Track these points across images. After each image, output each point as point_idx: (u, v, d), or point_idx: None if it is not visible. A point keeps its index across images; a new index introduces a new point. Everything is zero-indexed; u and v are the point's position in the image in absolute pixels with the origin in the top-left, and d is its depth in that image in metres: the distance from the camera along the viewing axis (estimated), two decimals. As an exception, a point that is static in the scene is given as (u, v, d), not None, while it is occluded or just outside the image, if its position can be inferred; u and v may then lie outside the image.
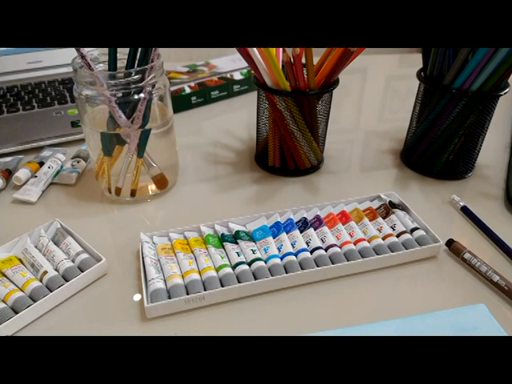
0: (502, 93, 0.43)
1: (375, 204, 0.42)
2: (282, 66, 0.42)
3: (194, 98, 0.64)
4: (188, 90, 0.63)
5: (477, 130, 0.45)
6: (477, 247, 0.39)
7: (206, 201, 0.45)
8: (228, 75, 0.68)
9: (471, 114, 0.44)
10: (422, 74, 0.46)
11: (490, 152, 0.53)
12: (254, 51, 0.41)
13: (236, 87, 0.68)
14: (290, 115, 0.45)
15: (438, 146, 0.47)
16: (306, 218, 0.39)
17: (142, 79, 0.39)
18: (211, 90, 0.65)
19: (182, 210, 0.44)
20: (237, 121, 0.61)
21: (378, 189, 0.45)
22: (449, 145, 0.46)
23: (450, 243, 0.38)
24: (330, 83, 0.44)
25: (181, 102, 0.63)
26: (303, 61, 0.41)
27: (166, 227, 0.39)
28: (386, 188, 0.47)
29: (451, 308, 0.31)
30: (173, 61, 0.78)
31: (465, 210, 0.43)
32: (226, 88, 0.67)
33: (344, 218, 0.40)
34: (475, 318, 0.30)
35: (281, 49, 0.45)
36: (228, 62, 0.73)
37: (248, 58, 0.42)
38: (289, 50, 0.40)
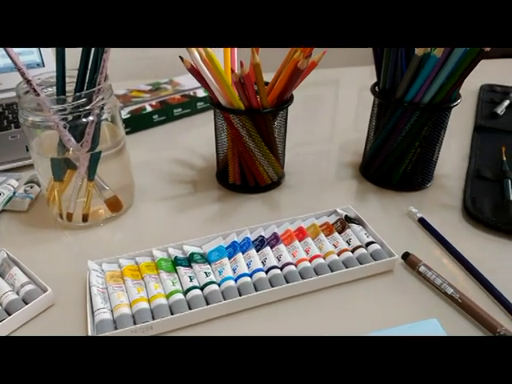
0: (453, 104, 0.43)
1: (332, 219, 0.42)
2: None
3: (155, 117, 0.63)
4: (149, 109, 0.63)
5: (432, 141, 0.46)
6: (434, 259, 0.39)
7: (164, 222, 0.44)
8: (191, 92, 0.68)
9: (425, 126, 0.44)
10: (376, 88, 0.47)
11: (449, 162, 0.54)
12: (205, 71, 0.40)
13: (199, 104, 0.67)
14: (246, 133, 0.44)
15: (394, 159, 0.47)
16: (263, 237, 0.39)
17: (89, 102, 0.38)
18: (174, 108, 0.65)
19: (137, 233, 0.43)
20: (200, 138, 0.60)
21: (338, 202, 0.45)
22: (405, 157, 0.47)
23: (405, 256, 0.38)
24: (284, 101, 0.44)
25: (142, 121, 0.62)
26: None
27: (120, 252, 0.38)
28: (345, 201, 0.47)
29: (405, 324, 0.31)
30: (137, 78, 0.77)
31: (422, 222, 0.43)
32: (190, 105, 0.66)
33: (301, 234, 0.40)
34: (427, 333, 0.30)
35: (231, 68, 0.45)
36: (192, 79, 0.72)
37: (200, 77, 0.41)
38: (249, 66, 0.40)
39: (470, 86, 0.77)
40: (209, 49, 0.38)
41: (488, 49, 0.38)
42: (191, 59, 0.40)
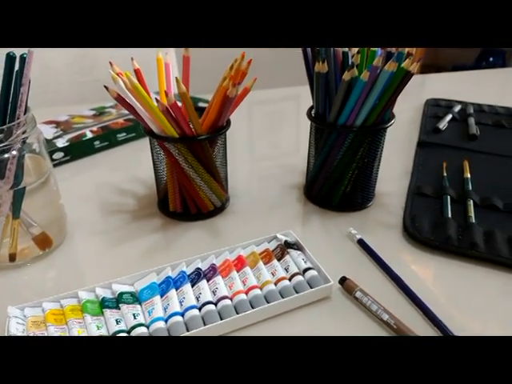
0: (386, 125, 0.44)
1: (273, 245, 0.42)
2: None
3: (97, 143, 0.61)
4: (90, 135, 0.61)
5: (369, 161, 0.46)
6: (373, 282, 0.39)
7: (98, 258, 0.42)
8: (136, 116, 0.67)
9: (361, 148, 0.45)
10: (313, 111, 0.47)
11: (391, 179, 0.55)
12: (132, 99, 0.39)
13: (145, 128, 0.66)
14: (184, 160, 0.43)
15: (333, 180, 0.47)
16: (200, 269, 0.38)
17: (9, 136, 0.36)
18: (117, 133, 0.63)
19: (68, 271, 0.40)
20: (143, 164, 0.58)
21: (282, 226, 0.44)
22: (344, 178, 0.47)
23: (342, 281, 0.37)
24: (220, 127, 0.43)
25: (82, 148, 0.60)
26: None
27: (50, 294, 0.35)
28: (289, 224, 0.46)
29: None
30: (84, 103, 0.75)
31: (361, 243, 0.43)
32: (134, 129, 0.65)
33: (239, 264, 0.39)
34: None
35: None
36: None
37: (128, 106, 0.40)
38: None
39: (418, 101, 0.80)
40: (133, 78, 0.37)
41: (414, 71, 0.39)
42: (117, 88, 0.38)
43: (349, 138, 0.44)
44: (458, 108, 0.74)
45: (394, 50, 0.41)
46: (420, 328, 0.34)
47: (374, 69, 0.38)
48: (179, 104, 0.38)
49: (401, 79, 0.40)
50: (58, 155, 0.58)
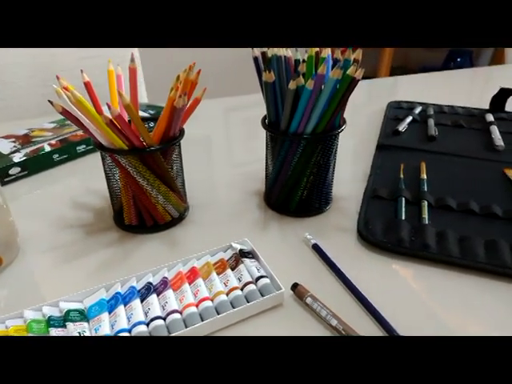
0: (337, 132, 0.44)
1: (228, 254, 0.42)
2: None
3: (56, 156, 0.60)
4: (48, 149, 0.60)
5: (323, 167, 0.47)
6: (326, 287, 0.39)
7: (51, 274, 0.41)
8: (97, 127, 0.66)
9: (314, 154, 0.45)
10: (267, 120, 0.47)
11: (350, 183, 0.55)
12: (78, 113, 0.39)
13: (107, 139, 0.65)
14: (136, 172, 0.43)
15: (290, 186, 0.47)
16: (150, 283, 0.37)
17: None
18: (76, 145, 0.62)
19: (19, 290, 0.39)
20: (103, 176, 0.58)
21: (241, 234, 0.44)
22: (299, 184, 0.47)
23: (294, 287, 0.38)
24: (171, 137, 0.43)
25: (41, 162, 0.59)
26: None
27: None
28: (248, 232, 0.46)
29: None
30: (46, 115, 0.74)
31: (316, 248, 0.43)
32: (94, 141, 0.64)
33: (192, 275, 0.38)
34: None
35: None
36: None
37: (75, 120, 0.40)
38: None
39: (381, 104, 0.81)
40: (76, 92, 0.37)
41: (359, 77, 0.40)
42: (62, 102, 0.38)
43: (301, 145, 0.44)
44: (418, 110, 0.76)
45: (340, 57, 0.42)
46: (370, 333, 0.34)
47: (319, 77, 0.39)
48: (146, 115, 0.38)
49: (347, 86, 0.40)
50: (15, 170, 0.57)
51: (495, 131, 0.66)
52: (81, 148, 0.63)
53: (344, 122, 0.46)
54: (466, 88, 1.00)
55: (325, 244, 0.44)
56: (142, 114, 0.72)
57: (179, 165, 0.47)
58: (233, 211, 0.51)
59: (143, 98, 1.00)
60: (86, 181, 0.57)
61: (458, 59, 2.01)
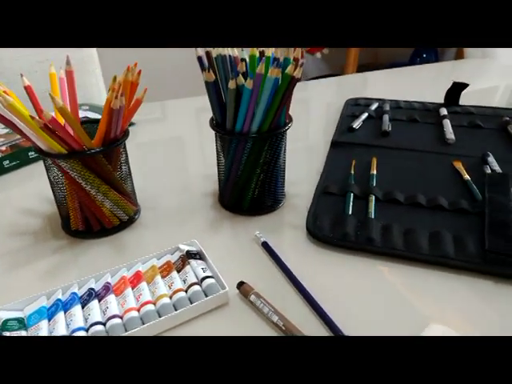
0: (282, 130, 0.45)
1: (176, 256, 0.41)
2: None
3: (6, 162, 0.59)
4: (-3, 155, 0.58)
5: (272, 165, 0.47)
6: (274, 284, 0.39)
7: (-6, 283, 0.40)
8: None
9: (262, 152, 0.45)
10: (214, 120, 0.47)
11: (303, 181, 0.56)
12: (14, 118, 0.38)
13: (60, 143, 0.64)
14: (79, 176, 0.42)
15: (241, 186, 0.48)
16: (92, 289, 0.37)
17: None
18: (28, 151, 0.61)
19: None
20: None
21: (193, 235, 0.44)
22: (250, 183, 0.47)
23: (239, 286, 0.38)
24: (114, 139, 0.43)
25: (-11, 169, 0.58)
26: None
27: None
28: (201, 233, 0.46)
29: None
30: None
31: (265, 246, 0.43)
32: (47, 146, 0.62)
33: (136, 280, 0.38)
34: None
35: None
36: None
37: (11, 125, 0.39)
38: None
39: (342, 101, 0.82)
40: (8, 97, 0.36)
41: (299, 75, 0.40)
42: (-4, 108, 0.37)
43: (248, 145, 0.44)
44: (374, 106, 0.77)
45: (280, 56, 0.42)
46: (313, 329, 0.34)
47: (258, 76, 0.39)
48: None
49: (287, 84, 0.40)
50: (-39, 179, 0.55)
51: (447, 125, 0.68)
52: (32, 153, 0.61)
53: (290, 119, 0.46)
54: (427, 83, 1.03)
55: (275, 241, 0.44)
56: (96, 116, 0.71)
57: (127, 167, 0.47)
58: (186, 213, 0.51)
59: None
60: (37, 187, 0.56)
61: (424, 55, 2.05)
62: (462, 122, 0.71)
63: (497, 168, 0.55)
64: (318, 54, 2.23)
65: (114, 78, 0.38)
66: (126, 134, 0.44)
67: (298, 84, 0.42)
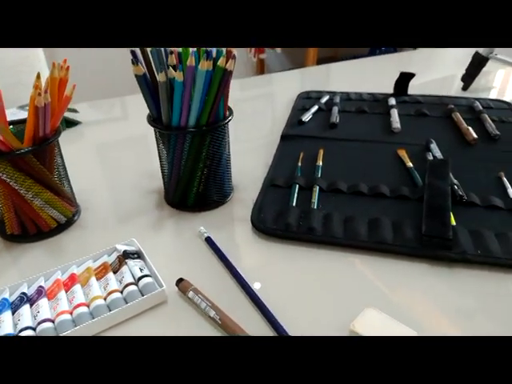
0: (222, 123, 0.44)
1: (113, 257, 0.40)
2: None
3: None
4: None
5: (215, 159, 0.46)
6: (216, 280, 0.39)
7: None
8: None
9: (203, 146, 0.45)
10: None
11: (252, 174, 0.56)
12: None
13: None
14: (12, 179, 0.40)
15: (185, 182, 0.47)
16: (25, 294, 0.35)
17: None
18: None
19: None
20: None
21: (134, 235, 0.43)
22: (194, 178, 0.47)
23: (178, 283, 0.37)
24: (44, 138, 0.41)
25: None
26: None
27: None
28: (143, 232, 0.45)
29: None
30: None
31: (209, 242, 0.43)
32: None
33: (70, 282, 0.37)
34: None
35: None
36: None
37: None
38: None
39: (293, 94, 0.83)
40: None
41: (231, 68, 0.40)
42: None
43: (188, 139, 0.44)
44: (325, 99, 0.78)
45: (214, 49, 0.41)
46: (254, 323, 0.34)
47: (189, 69, 0.38)
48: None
49: (220, 77, 0.40)
50: None
51: (394, 114, 0.70)
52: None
53: (230, 112, 0.46)
54: (384, 73, 1.04)
55: (221, 236, 0.44)
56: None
57: (63, 167, 0.45)
58: (129, 212, 0.49)
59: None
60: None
61: (383, 48, 2.09)
62: (410, 111, 0.72)
63: (438, 154, 0.56)
64: (278, 49, 2.24)
65: (38, 76, 0.37)
66: (57, 132, 0.42)
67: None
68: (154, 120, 0.45)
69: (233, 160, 0.50)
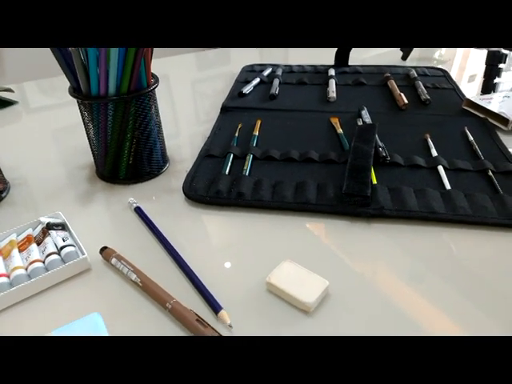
0: (146, 91, 0.44)
1: (38, 230, 0.40)
2: None
3: None
4: None
5: (144, 130, 0.46)
6: (145, 248, 0.39)
7: None
8: None
9: (129, 117, 0.45)
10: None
11: (190, 146, 0.56)
12: None
13: None
14: None
15: (113, 154, 0.47)
16: None
17: None
18: None
19: None
20: None
21: (61, 209, 0.42)
22: (123, 150, 0.46)
23: (102, 251, 0.37)
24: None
25: None
26: None
27: None
28: (72, 206, 0.45)
29: (70, 322, 0.30)
30: None
31: (138, 212, 0.43)
32: None
33: (-9, 256, 0.36)
34: (89, 328, 0.30)
35: None
36: None
37: None
38: None
39: (240, 68, 0.83)
40: None
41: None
42: None
43: (110, 109, 0.43)
44: (268, 71, 0.78)
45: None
46: (178, 284, 0.35)
47: (102, 35, 0.38)
48: None
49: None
50: None
51: (332, 84, 0.71)
52: None
53: (156, 81, 0.46)
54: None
55: (152, 207, 0.44)
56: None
57: (-15, 144, 0.44)
58: (59, 187, 0.49)
59: None
60: None
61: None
62: (348, 81, 0.74)
63: (368, 120, 0.58)
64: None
65: None
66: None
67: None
68: (74, 91, 0.44)
69: (171, 133, 0.50)
